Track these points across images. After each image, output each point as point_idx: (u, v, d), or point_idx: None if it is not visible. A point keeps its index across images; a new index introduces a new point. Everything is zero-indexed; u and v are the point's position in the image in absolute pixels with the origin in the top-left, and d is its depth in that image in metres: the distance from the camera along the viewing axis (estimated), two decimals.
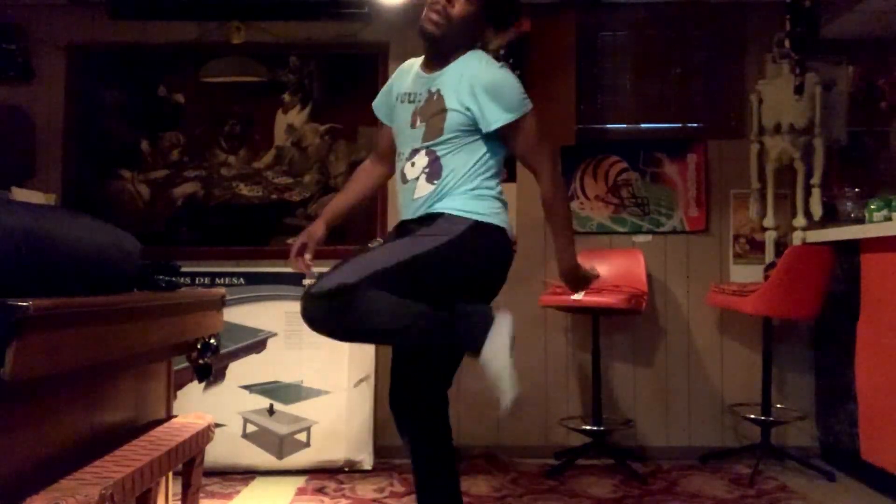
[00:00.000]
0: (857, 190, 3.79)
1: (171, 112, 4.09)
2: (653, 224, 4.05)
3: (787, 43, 3.68)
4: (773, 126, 3.84)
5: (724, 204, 4.05)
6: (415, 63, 2.27)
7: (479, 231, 2.07)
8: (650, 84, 4.12)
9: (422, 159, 2.10)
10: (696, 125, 4.10)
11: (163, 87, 4.09)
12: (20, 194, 3.37)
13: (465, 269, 2.07)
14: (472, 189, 2.09)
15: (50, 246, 1.59)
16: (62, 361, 1.50)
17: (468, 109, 2.06)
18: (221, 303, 2.49)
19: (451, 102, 2.08)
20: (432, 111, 2.10)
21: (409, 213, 2.16)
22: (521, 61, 3.82)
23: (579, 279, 2.22)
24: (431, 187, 2.08)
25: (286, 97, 4.08)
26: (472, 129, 2.09)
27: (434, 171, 2.09)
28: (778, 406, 3.86)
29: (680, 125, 4.11)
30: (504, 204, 2.17)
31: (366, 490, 3.38)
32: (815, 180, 3.77)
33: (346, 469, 3.65)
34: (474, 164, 2.10)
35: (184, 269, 2.60)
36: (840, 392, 3.59)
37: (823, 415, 3.85)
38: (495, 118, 2.05)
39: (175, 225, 4.07)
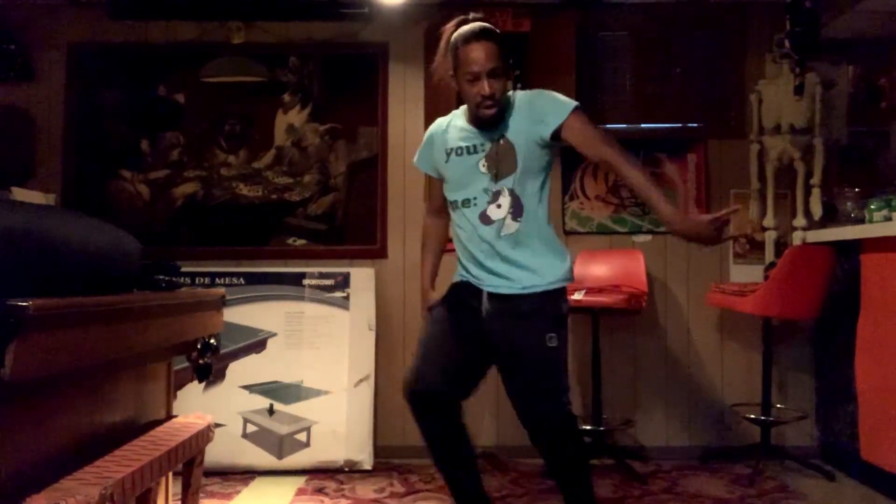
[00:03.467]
0: (857, 190, 3.78)
1: (171, 112, 4.09)
2: (653, 224, 4.05)
3: (787, 43, 3.68)
4: (773, 126, 3.84)
5: (724, 204, 4.03)
6: (447, 122, 2.52)
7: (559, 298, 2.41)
8: (650, 84, 4.12)
9: (505, 200, 2.36)
10: (696, 125, 4.10)
11: (163, 87, 4.09)
12: (20, 194, 3.37)
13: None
14: (547, 241, 2.40)
15: (50, 246, 1.59)
16: (62, 361, 1.50)
17: (532, 133, 2.34)
18: (221, 303, 2.49)
19: (517, 139, 2.36)
20: (503, 152, 2.36)
21: (484, 253, 2.39)
22: (521, 61, 3.82)
23: (700, 228, 2.21)
24: (517, 224, 2.36)
25: (286, 97, 4.08)
26: (540, 152, 2.37)
27: (517, 209, 2.37)
28: (778, 406, 3.86)
29: (680, 125, 4.11)
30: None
31: (366, 490, 3.38)
32: (815, 180, 3.77)
33: (346, 469, 3.65)
34: (540, 193, 2.40)
35: (184, 269, 2.61)
36: (840, 392, 3.59)
37: (823, 415, 3.85)
38: (553, 120, 2.33)
39: (175, 225, 4.07)
